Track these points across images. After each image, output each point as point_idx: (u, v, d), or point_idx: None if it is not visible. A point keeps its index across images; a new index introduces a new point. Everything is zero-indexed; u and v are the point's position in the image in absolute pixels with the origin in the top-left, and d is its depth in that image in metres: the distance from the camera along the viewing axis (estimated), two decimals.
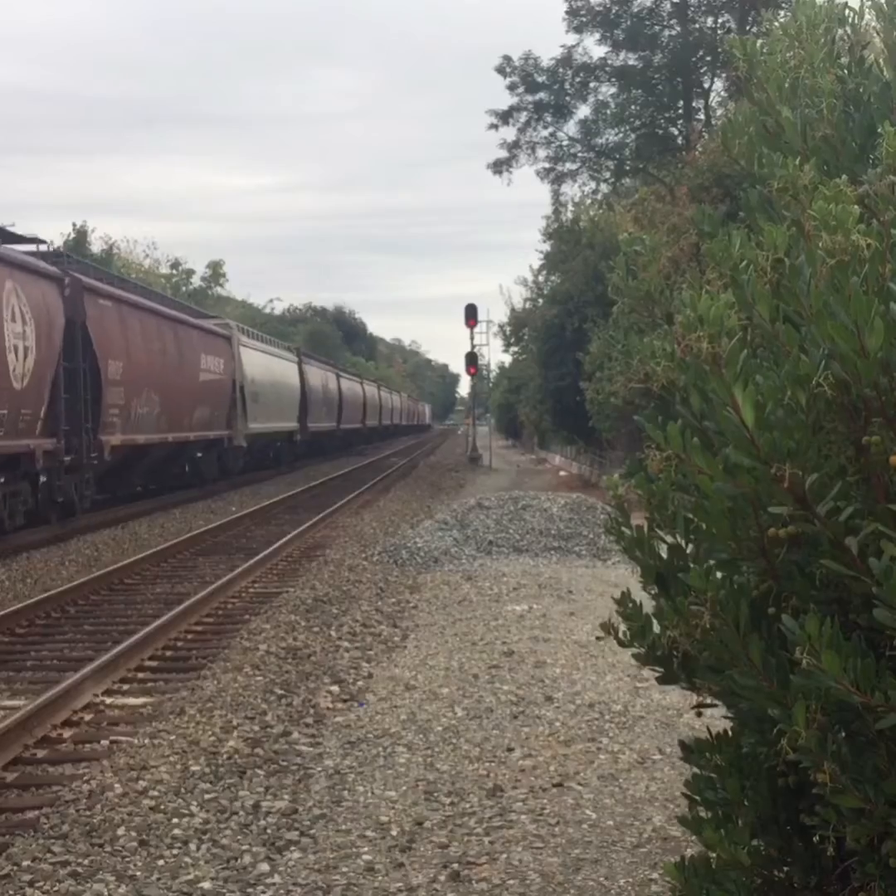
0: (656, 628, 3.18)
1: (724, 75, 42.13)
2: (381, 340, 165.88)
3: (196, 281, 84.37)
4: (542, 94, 45.27)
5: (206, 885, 6.24)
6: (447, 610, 14.71)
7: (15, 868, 6.43)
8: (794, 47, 3.26)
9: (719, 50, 41.17)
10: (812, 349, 2.53)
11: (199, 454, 38.14)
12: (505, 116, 45.41)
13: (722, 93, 44.05)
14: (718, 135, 3.99)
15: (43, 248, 27.44)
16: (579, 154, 46.24)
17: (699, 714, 3.23)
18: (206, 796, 7.58)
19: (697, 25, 44.80)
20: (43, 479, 23.66)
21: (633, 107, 45.41)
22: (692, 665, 3.00)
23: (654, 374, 2.97)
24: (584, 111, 45.51)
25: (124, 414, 28.24)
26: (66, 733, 9.41)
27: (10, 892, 6.12)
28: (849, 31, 3.38)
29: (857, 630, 2.63)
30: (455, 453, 66.62)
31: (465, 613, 14.35)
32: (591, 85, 45.13)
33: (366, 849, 6.73)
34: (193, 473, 38.09)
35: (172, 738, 8.83)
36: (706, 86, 45.24)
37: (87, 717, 9.91)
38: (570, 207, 51.22)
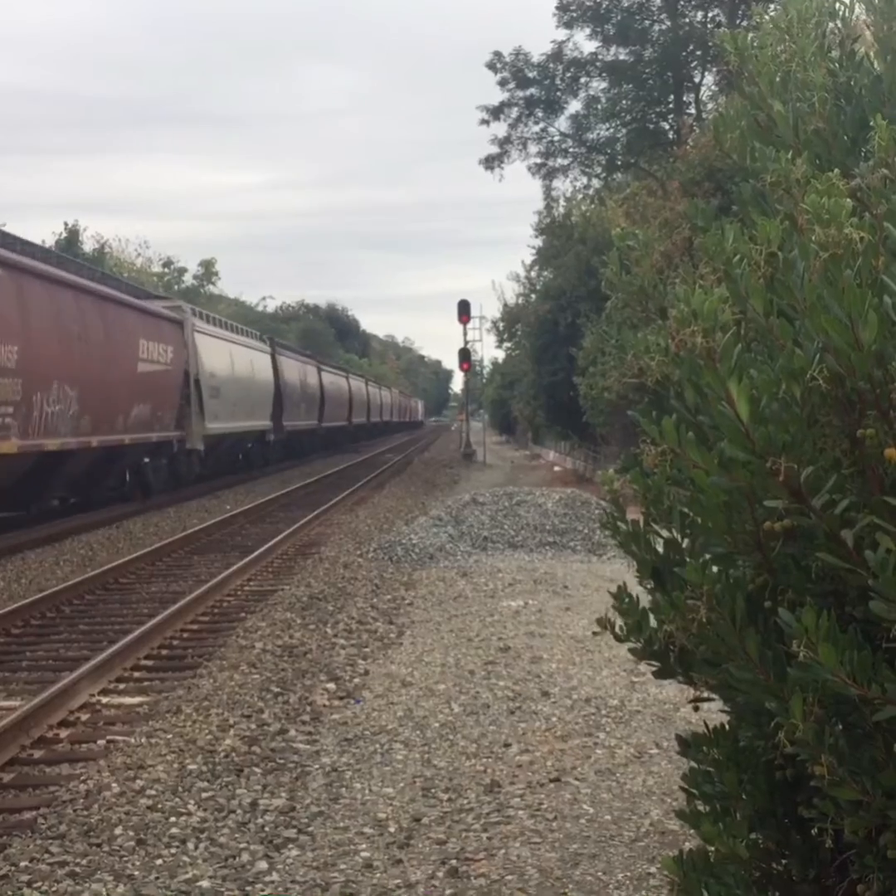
0: (653, 623, 3.18)
1: (714, 69, 42.14)
2: (374, 337, 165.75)
3: (188, 279, 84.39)
4: (532, 90, 45.22)
5: (205, 883, 6.24)
6: (443, 606, 14.72)
7: (13, 868, 6.43)
8: (785, 41, 3.26)
9: (710, 44, 41.20)
10: (806, 343, 2.53)
11: (147, 459, 32.17)
12: (496, 112, 45.38)
13: (712, 87, 44.07)
14: (710, 129, 3.98)
15: None
16: (570, 149, 46.23)
17: (696, 708, 3.23)
18: (204, 795, 7.59)
19: (687, 20, 44.78)
20: None
21: (624, 101, 45.37)
22: (689, 659, 3.00)
23: (649, 369, 2.97)
24: (575, 106, 45.52)
25: (22, 412, 22.17)
26: (63, 733, 9.40)
27: (9, 893, 6.12)
28: (839, 25, 3.39)
29: (853, 622, 2.64)
30: (449, 449, 66.59)
31: (461, 609, 14.35)
32: (582, 80, 45.09)
33: (364, 846, 6.74)
34: (139, 483, 31.88)
35: (169, 737, 8.83)
36: (697, 80, 45.25)
37: (84, 717, 9.90)
38: (561, 203, 51.32)
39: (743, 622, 2.69)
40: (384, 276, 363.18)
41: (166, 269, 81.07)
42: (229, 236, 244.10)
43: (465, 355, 54.33)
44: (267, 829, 7.03)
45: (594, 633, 3.40)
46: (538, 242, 53.68)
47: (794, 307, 2.63)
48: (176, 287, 77.26)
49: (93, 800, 7.48)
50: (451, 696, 9.88)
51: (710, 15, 44.38)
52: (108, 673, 11.17)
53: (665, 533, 3.07)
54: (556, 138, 45.81)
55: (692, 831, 3.18)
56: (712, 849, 2.94)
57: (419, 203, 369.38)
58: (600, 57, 44.89)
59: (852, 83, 3.26)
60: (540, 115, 45.42)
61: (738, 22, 39.19)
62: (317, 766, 8.20)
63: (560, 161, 46.41)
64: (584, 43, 48.45)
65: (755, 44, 3.33)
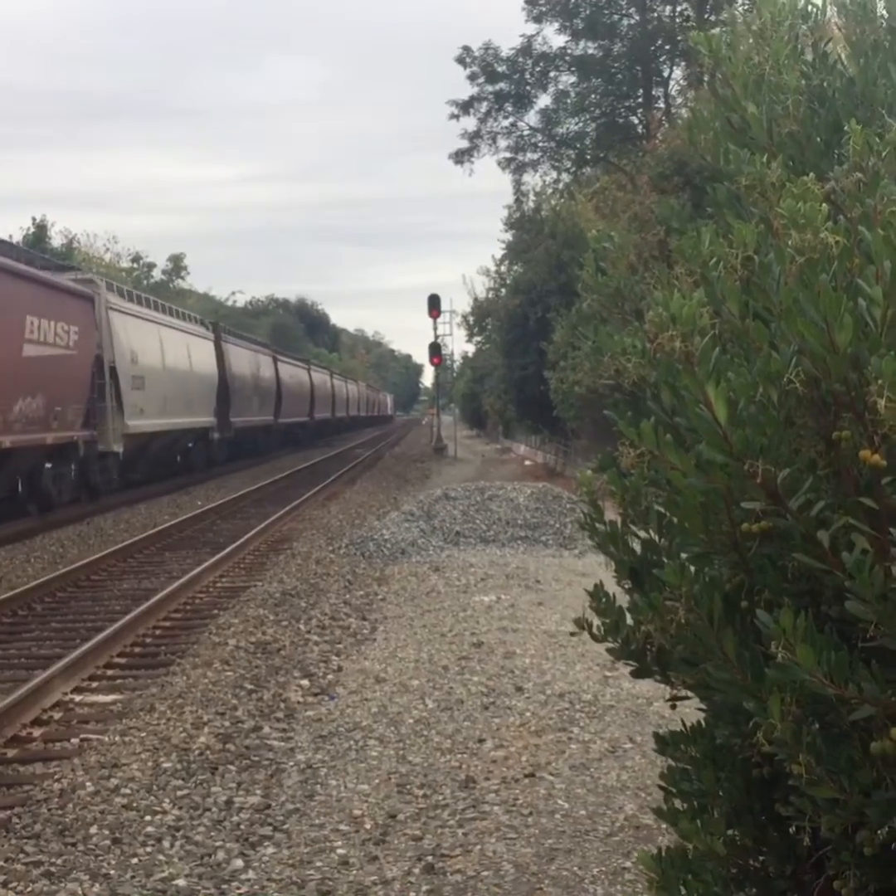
0: (630, 622, 3.21)
1: (683, 64, 42.25)
2: (344, 332, 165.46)
3: (157, 275, 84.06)
4: (502, 84, 45.31)
5: (181, 882, 6.24)
6: (415, 601, 14.73)
7: None
8: (758, 43, 3.28)
9: (678, 39, 41.30)
10: (782, 346, 2.56)
11: (48, 465, 26.12)
12: (466, 106, 45.45)
13: (681, 81, 44.18)
14: (679, 123, 4.00)
15: None
16: (540, 143, 46.33)
17: (673, 706, 3.26)
18: (179, 793, 7.59)
19: (656, 14, 44.92)
20: None
21: (593, 96, 45.51)
22: (666, 659, 3.03)
23: (625, 370, 3.00)
24: (544, 101, 45.62)
25: None
26: (36, 732, 9.38)
27: None
28: (812, 27, 3.41)
29: (830, 622, 2.67)
30: (420, 444, 66.59)
31: (434, 605, 14.37)
32: (551, 74, 45.21)
33: (339, 843, 6.75)
34: (34, 495, 25.84)
35: (143, 735, 8.82)
36: (665, 74, 45.39)
37: (57, 716, 9.88)
38: (531, 197, 51.34)
39: (721, 623, 2.72)
40: (355, 271, 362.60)
41: (135, 265, 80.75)
42: (198, 231, 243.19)
43: (435, 350, 54.29)
44: (242, 826, 7.03)
45: (572, 634, 3.42)
46: (508, 237, 53.69)
47: (770, 310, 2.65)
48: (145, 282, 76.98)
49: (67, 799, 7.47)
50: (425, 692, 9.90)
51: (678, 9, 44.53)
52: (81, 671, 11.14)
53: (643, 534, 3.09)
54: (525, 132, 45.93)
55: (667, 827, 3.21)
56: (690, 846, 2.97)
57: (389, 197, 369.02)
58: (569, 51, 45.04)
59: (825, 86, 3.29)
60: (509, 109, 45.52)
61: (705, 16, 39.30)
62: (292, 763, 8.20)
63: (530, 155, 46.54)
64: (554, 37, 48.45)
65: (727, 45, 3.35)
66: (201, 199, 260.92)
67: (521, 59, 44.92)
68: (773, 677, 2.51)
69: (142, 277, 78.67)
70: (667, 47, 44.09)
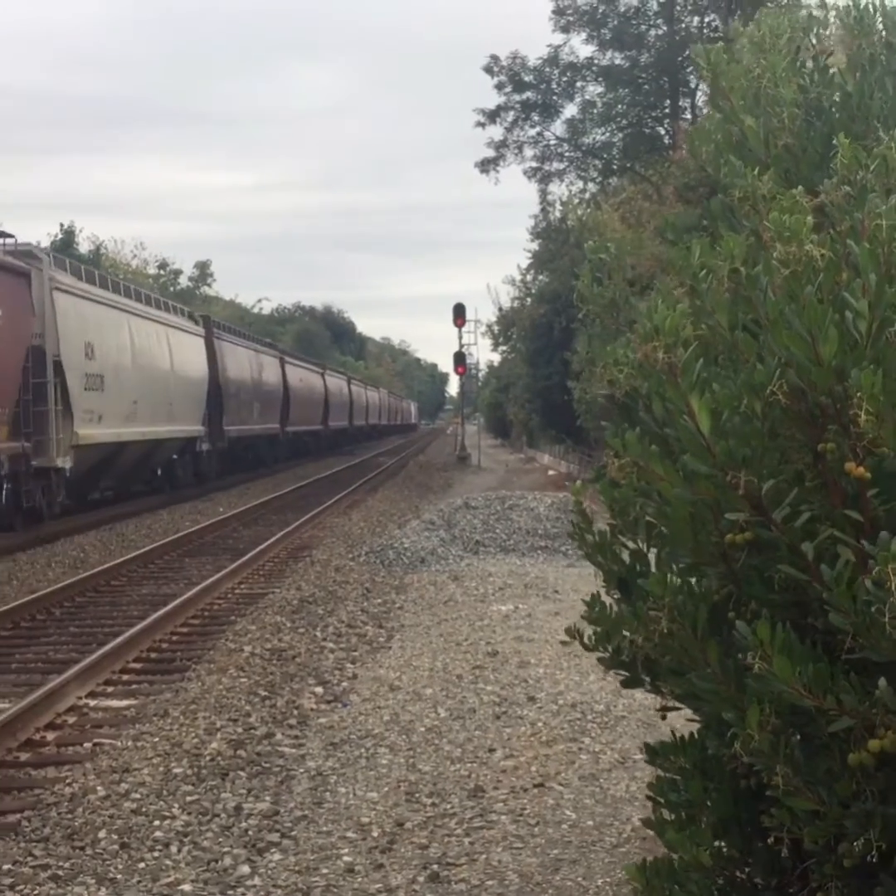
0: (627, 632, 3.21)
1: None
2: (370, 340, 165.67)
3: (184, 281, 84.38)
4: (529, 94, 45.32)
5: (187, 887, 6.26)
6: (433, 610, 14.74)
7: None
8: (757, 56, 3.29)
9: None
10: (767, 358, 2.56)
11: None
12: (492, 115, 45.46)
13: (708, 92, 44.08)
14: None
15: None
16: (566, 153, 46.32)
17: (663, 717, 3.26)
18: (188, 798, 7.61)
19: (684, 25, 44.88)
20: None
21: (619, 106, 45.49)
22: (655, 669, 3.03)
23: (618, 381, 3.00)
24: (571, 110, 45.61)
25: None
26: (50, 736, 9.42)
27: None
28: (813, 41, 3.42)
29: (816, 634, 2.67)
30: (444, 453, 66.59)
31: (451, 614, 14.37)
32: (578, 84, 45.24)
33: (346, 850, 6.76)
34: None
35: (155, 740, 8.85)
36: (692, 85, 45.29)
37: (71, 720, 9.92)
38: (557, 207, 51.31)
39: (704, 633, 2.72)
40: (380, 278, 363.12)
41: (161, 271, 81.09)
42: (224, 237, 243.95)
43: (460, 359, 54.33)
44: (250, 833, 7.05)
45: (563, 643, 3.42)
46: (534, 246, 53.71)
47: (758, 322, 2.66)
48: (171, 288, 77.31)
49: (77, 803, 7.50)
50: (438, 701, 9.90)
51: (705, 20, 44.48)
52: (96, 676, 11.19)
53: (631, 544, 3.10)
54: (551, 142, 45.90)
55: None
56: (676, 856, 2.97)
57: (416, 204, 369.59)
58: (596, 61, 45.07)
59: (823, 99, 3.29)
60: (536, 118, 45.52)
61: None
62: (302, 770, 8.22)
63: (556, 165, 46.52)
64: (581, 47, 48.45)
65: (726, 58, 3.36)
66: (228, 206, 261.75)
67: (548, 69, 44.97)
68: (752, 688, 2.52)
69: (168, 284, 78.99)
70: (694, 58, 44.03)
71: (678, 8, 44.39)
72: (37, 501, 23.84)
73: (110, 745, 8.86)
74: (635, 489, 2.89)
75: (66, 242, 62.45)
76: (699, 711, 3.05)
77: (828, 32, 3.44)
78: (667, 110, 45.70)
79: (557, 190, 50.47)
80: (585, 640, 3.21)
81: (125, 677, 11.59)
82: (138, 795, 7.63)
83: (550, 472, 48.00)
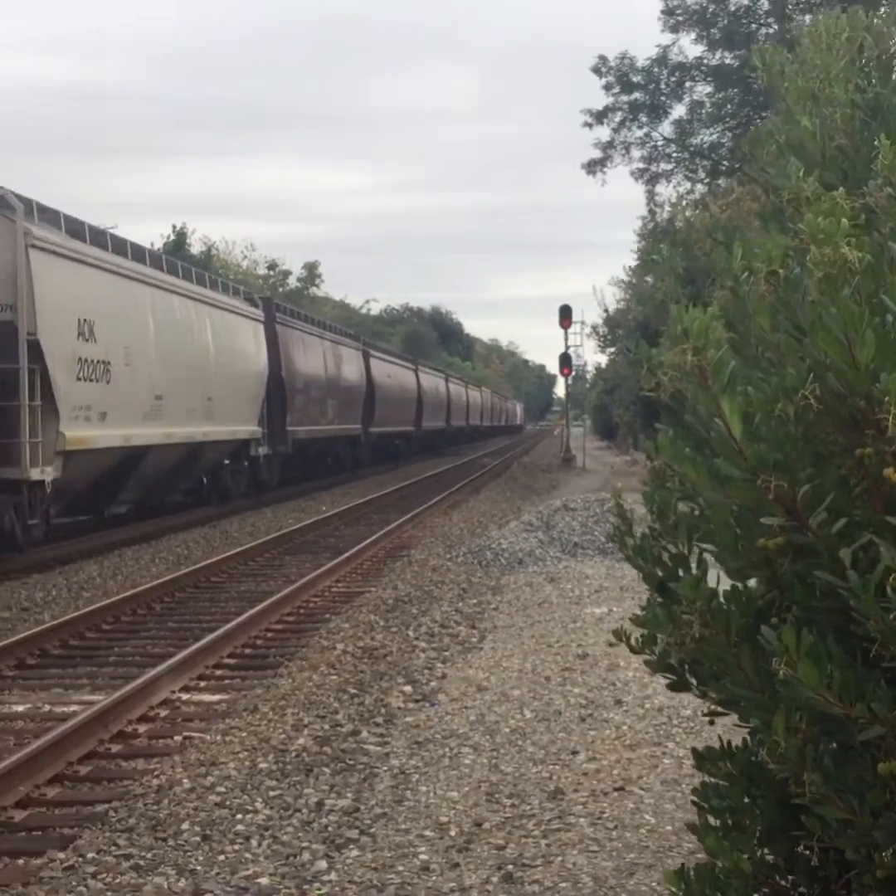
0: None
1: None
2: (478, 341, 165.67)
3: (292, 282, 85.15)
4: (637, 94, 45.01)
5: (264, 880, 6.33)
6: (527, 612, 14.73)
7: (79, 860, 6.59)
8: (814, 56, 3.25)
9: None
10: (797, 361, 2.54)
11: None
12: (600, 116, 45.20)
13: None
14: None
15: None
16: (674, 154, 45.92)
17: (711, 722, 3.23)
18: (271, 793, 7.69)
19: (795, 24, 44.26)
20: None
21: (728, 106, 44.98)
22: (699, 672, 3.02)
23: (663, 383, 2.99)
24: (679, 111, 45.21)
25: None
26: (141, 728, 9.59)
27: (73, 883, 6.26)
28: (874, 39, 3.37)
29: (856, 640, 2.63)
30: (549, 454, 66.47)
31: (545, 615, 14.35)
32: (687, 84, 44.80)
33: (423, 848, 6.79)
34: None
35: (244, 735, 8.96)
36: None
37: (163, 713, 10.09)
38: (666, 208, 50.89)
39: (738, 638, 2.70)
40: (488, 280, 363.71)
41: (271, 272, 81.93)
42: (335, 238, 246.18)
43: (565, 360, 54.16)
44: (330, 828, 7.11)
45: (610, 644, 3.42)
46: (641, 247, 53.31)
47: (797, 325, 2.64)
48: (280, 289, 78.07)
49: (163, 794, 7.62)
50: (525, 702, 9.90)
51: (818, 18, 43.82)
52: (190, 670, 11.36)
53: (672, 548, 3.09)
54: (659, 143, 45.54)
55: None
56: (719, 864, 2.95)
57: (523, 206, 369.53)
58: (706, 61, 44.58)
59: (880, 99, 3.25)
60: (644, 119, 45.16)
61: None
62: (385, 768, 8.27)
63: (663, 166, 46.09)
64: (690, 47, 48.03)
65: (783, 59, 3.33)
66: (336, 207, 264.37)
67: (656, 69, 44.61)
68: (783, 695, 2.50)
69: (277, 284, 79.81)
70: None
71: (790, 7, 43.81)
72: (5, 525, 18.34)
73: (199, 739, 8.99)
74: (679, 492, 2.89)
75: (178, 243, 63.44)
76: (742, 717, 3.03)
77: (892, 29, 3.39)
78: None
79: (665, 191, 50.11)
80: (631, 642, 3.21)
81: (218, 672, 11.75)
82: (223, 789, 7.73)
83: None
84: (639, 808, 7.37)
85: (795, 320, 2.63)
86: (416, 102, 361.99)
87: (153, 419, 24.00)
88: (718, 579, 2.95)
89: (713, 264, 2.83)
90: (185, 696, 10.69)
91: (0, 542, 18.43)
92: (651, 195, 47.59)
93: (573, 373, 60.99)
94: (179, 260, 31.08)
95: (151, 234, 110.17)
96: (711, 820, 3.11)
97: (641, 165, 45.69)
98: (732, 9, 43.63)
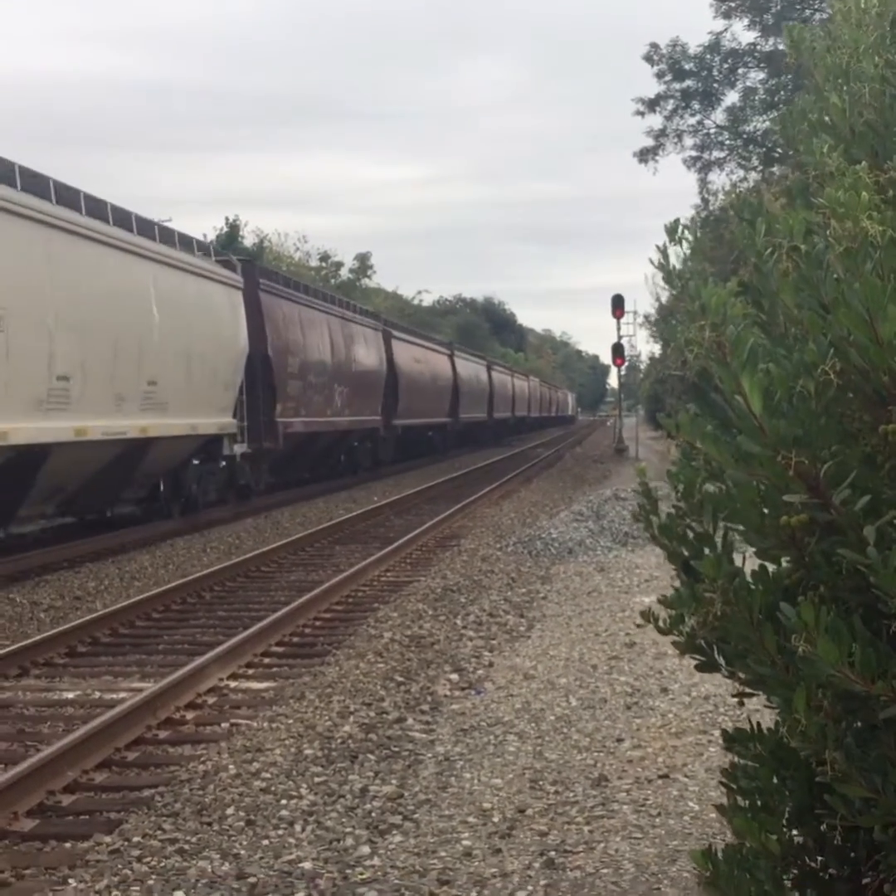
0: None
1: None
2: (531, 331, 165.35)
3: (344, 273, 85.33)
4: (689, 82, 44.72)
5: (307, 865, 6.36)
6: (576, 600, 14.71)
7: (125, 843, 6.65)
8: (844, 31, 3.22)
9: None
10: (818, 337, 2.52)
11: None
12: (652, 104, 44.96)
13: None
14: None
15: None
16: (727, 141, 45.60)
17: (741, 703, 3.22)
18: (316, 779, 7.73)
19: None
20: None
21: (782, 92, 44.58)
22: (727, 652, 3.00)
23: (689, 362, 2.98)
24: (732, 98, 44.89)
25: None
26: (189, 715, 9.65)
27: (119, 866, 6.32)
28: None
29: (883, 618, 2.61)
30: (602, 444, 66.28)
31: (593, 604, 14.32)
32: (740, 71, 44.48)
33: (466, 834, 6.80)
34: None
35: (290, 722, 9.01)
36: None
37: (211, 700, 10.15)
38: (719, 196, 50.54)
39: (761, 616, 2.69)
40: (541, 270, 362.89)
41: (323, 263, 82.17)
42: (386, 230, 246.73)
43: (618, 350, 53.89)
44: (374, 814, 7.13)
45: (638, 626, 3.41)
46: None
47: (819, 301, 2.61)
48: (332, 280, 78.28)
49: (209, 780, 7.67)
50: (571, 690, 9.89)
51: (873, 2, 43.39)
52: (238, 658, 11.43)
53: (697, 527, 3.07)
54: (711, 130, 45.24)
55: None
56: (746, 844, 2.94)
57: (575, 196, 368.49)
58: (759, 47, 44.24)
59: None
60: (696, 107, 44.88)
61: None
62: (430, 755, 8.29)
63: (716, 154, 45.79)
64: (742, 34, 47.66)
65: (811, 36, 3.30)
66: (388, 200, 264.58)
67: (708, 56, 44.32)
68: (803, 672, 2.48)
69: (329, 276, 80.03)
70: None
71: None
72: None
73: (246, 726, 9.04)
74: (706, 471, 2.87)
75: (231, 236, 63.77)
76: (769, 697, 3.01)
77: None
78: None
79: (718, 179, 49.76)
80: (659, 624, 3.20)
81: (266, 660, 11.81)
82: (268, 775, 7.78)
83: None
84: (683, 795, 7.35)
85: (818, 296, 2.61)
86: (457, 96, 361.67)
87: (55, 409, 17.50)
88: (743, 559, 2.94)
89: (737, 241, 2.83)
90: (232, 684, 10.75)
91: None
92: (703, 183, 47.29)
93: (626, 363, 60.66)
94: (192, 238, 25.10)
95: (204, 227, 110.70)
96: (740, 801, 3.10)
97: (694, 153, 45.41)
98: None
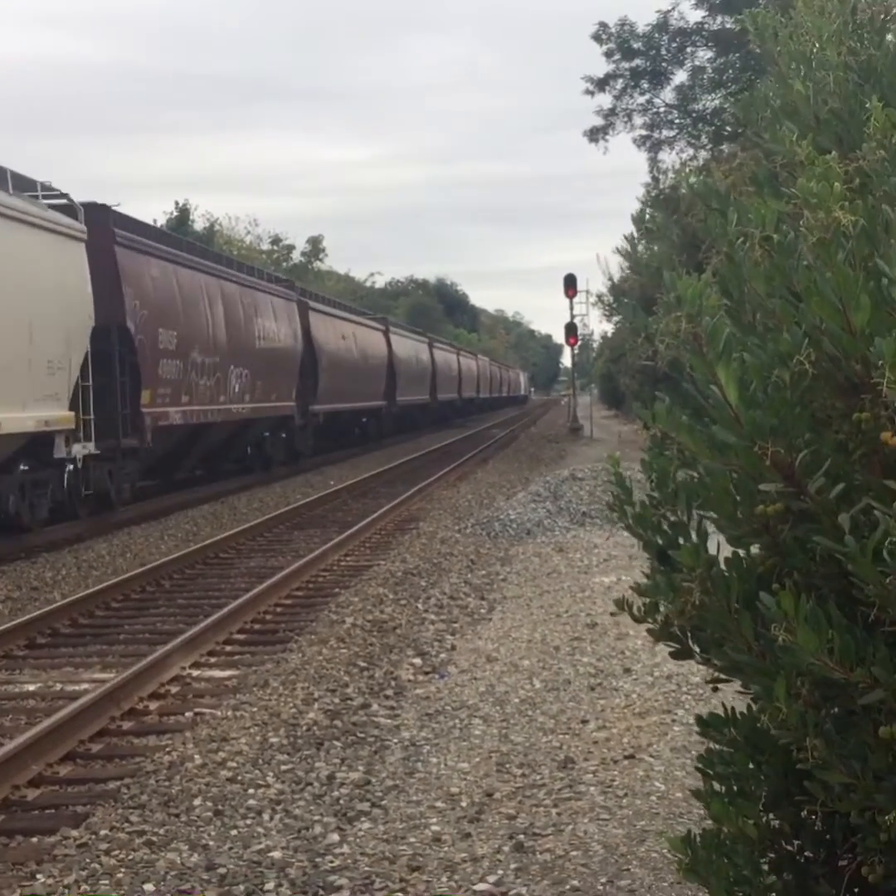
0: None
1: None
2: (483, 312, 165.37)
3: (296, 256, 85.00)
4: (638, 61, 44.78)
5: (276, 854, 6.36)
6: (536, 582, 14.76)
7: (92, 837, 6.62)
8: (806, 17, 3.23)
9: None
10: (792, 327, 2.53)
11: None
12: (601, 84, 44.99)
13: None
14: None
15: None
16: (676, 120, 45.71)
17: (715, 689, 3.24)
18: (283, 767, 7.72)
19: None
20: None
21: (730, 71, 44.73)
22: (702, 640, 3.02)
23: (660, 352, 2.98)
24: (680, 77, 44.98)
25: None
26: (152, 705, 9.62)
27: (87, 860, 6.30)
28: (866, 2, 3.35)
29: (858, 605, 2.63)
30: (556, 424, 66.42)
31: (553, 585, 14.37)
32: (688, 50, 44.56)
33: (435, 820, 6.82)
34: None
35: (254, 710, 9.00)
36: None
37: (174, 690, 10.12)
38: (669, 175, 50.66)
39: (738, 604, 2.71)
40: (493, 251, 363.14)
41: (274, 247, 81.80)
42: (337, 212, 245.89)
43: (571, 330, 54.10)
44: (342, 801, 7.14)
45: (612, 614, 3.42)
46: (645, 215, 53.10)
47: (791, 290, 2.63)
48: (284, 264, 77.95)
49: (175, 771, 7.65)
50: (534, 672, 9.92)
51: None
52: (201, 646, 11.40)
53: (672, 516, 3.08)
54: (661, 109, 45.33)
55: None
56: (724, 830, 2.96)
57: (527, 176, 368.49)
58: (706, 26, 44.31)
59: (874, 61, 3.23)
60: (645, 86, 44.95)
61: None
62: (396, 741, 8.30)
63: (666, 132, 45.89)
64: (690, 12, 47.76)
65: (783, 23, 3.31)
66: (340, 181, 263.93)
67: (657, 35, 44.37)
68: (782, 661, 2.50)
69: (281, 259, 79.69)
70: None
71: None
72: None
73: (210, 715, 9.02)
74: (678, 460, 2.88)
75: (181, 220, 63.38)
76: (744, 684, 3.04)
77: None
78: None
79: (668, 158, 49.87)
80: (634, 611, 3.21)
81: (229, 648, 11.79)
82: (234, 764, 7.77)
83: None
84: (649, 775, 7.40)
85: (790, 285, 2.63)
86: (407, 75, 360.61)
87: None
88: (718, 547, 2.95)
89: (708, 230, 2.83)
90: (195, 673, 10.72)
91: None
92: (654, 162, 47.38)
93: (579, 342, 60.87)
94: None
95: (153, 211, 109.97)
96: (716, 786, 3.12)
97: (644, 132, 45.50)
98: None
